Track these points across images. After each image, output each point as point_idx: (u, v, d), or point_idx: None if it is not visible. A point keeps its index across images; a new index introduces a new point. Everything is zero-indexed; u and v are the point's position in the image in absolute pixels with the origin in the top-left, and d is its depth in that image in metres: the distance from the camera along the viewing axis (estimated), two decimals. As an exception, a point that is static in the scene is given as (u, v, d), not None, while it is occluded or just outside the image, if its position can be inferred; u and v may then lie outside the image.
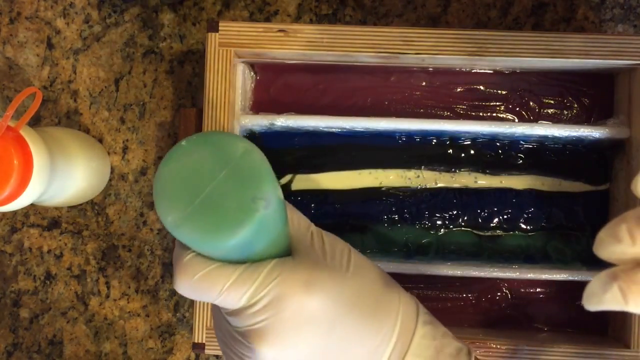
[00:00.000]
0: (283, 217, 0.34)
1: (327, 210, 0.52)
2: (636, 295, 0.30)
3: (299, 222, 0.37)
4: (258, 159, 0.33)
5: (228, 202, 0.31)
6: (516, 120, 0.51)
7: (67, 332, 0.56)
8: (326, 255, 0.35)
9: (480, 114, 0.51)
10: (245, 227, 0.31)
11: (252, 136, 0.52)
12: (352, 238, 0.52)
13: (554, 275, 0.48)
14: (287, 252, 0.35)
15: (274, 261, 0.34)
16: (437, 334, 0.37)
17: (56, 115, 0.55)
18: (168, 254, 0.55)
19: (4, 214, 0.56)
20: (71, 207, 0.55)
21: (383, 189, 0.51)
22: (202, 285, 0.33)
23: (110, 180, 0.55)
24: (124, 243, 0.55)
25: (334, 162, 0.52)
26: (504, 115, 0.51)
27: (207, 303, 0.48)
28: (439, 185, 0.51)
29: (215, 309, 0.38)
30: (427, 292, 0.52)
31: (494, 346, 0.46)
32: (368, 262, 0.37)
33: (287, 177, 0.52)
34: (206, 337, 0.48)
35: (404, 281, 0.51)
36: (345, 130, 0.50)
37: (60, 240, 0.56)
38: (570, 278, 0.48)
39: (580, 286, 0.51)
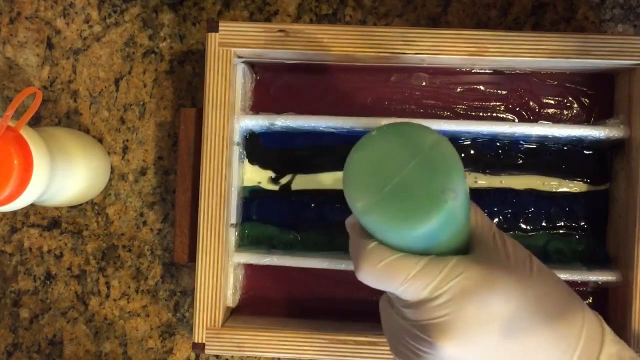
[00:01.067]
0: (467, 211, 0.35)
1: (327, 210, 0.52)
2: None
3: (482, 220, 0.36)
4: (448, 150, 0.33)
5: (417, 192, 0.32)
6: (516, 120, 0.51)
7: (67, 332, 0.56)
8: (509, 256, 0.35)
9: (480, 114, 0.51)
10: (434, 217, 0.31)
11: (252, 136, 0.52)
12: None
13: (554, 275, 0.48)
14: (466, 247, 0.36)
15: (457, 257, 0.34)
16: (625, 356, 0.34)
17: (56, 115, 0.55)
18: (168, 254, 0.55)
19: (4, 214, 0.56)
20: (71, 207, 0.55)
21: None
22: (386, 274, 0.34)
23: (110, 180, 0.55)
24: (124, 243, 0.55)
25: (334, 162, 0.52)
26: (504, 115, 0.51)
27: (207, 303, 0.48)
28: (439, 185, 0.51)
29: (385, 303, 0.38)
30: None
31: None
32: (550, 270, 0.36)
33: (287, 177, 0.52)
34: (206, 337, 0.48)
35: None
36: (345, 130, 0.50)
37: (60, 240, 0.56)
38: (570, 278, 0.48)
39: (580, 286, 0.51)
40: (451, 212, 0.32)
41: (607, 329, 0.35)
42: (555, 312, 0.34)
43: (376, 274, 0.34)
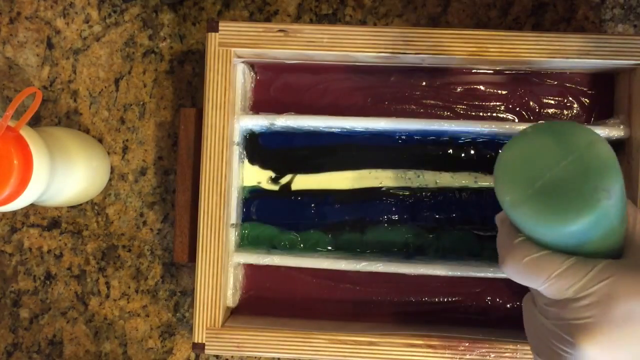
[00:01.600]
0: (622, 213, 0.34)
1: (327, 210, 0.52)
2: None
3: None
4: (604, 150, 0.33)
5: (569, 189, 0.32)
6: (516, 120, 0.51)
7: (67, 332, 0.56)
8: None
9: (480, 114, 0.51)
10: (584, 215, 0.32)
11: (252, 136, 0.52)
12: (352, 238, 0.52)
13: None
14: (618, 251, 0.35)
15: (607, 260, 0.33)
16: None
17: (56, 115, 0.55)
18: (168, 254, 0.55)
19: (4, 214, 0.56)
20: (71, 207, 0.55)
21: (383, 189, 0.51)
22: (531, 269, 0.34)
23: (110, 180, 0.55)
24: (124, 243, 0.55)
25: (334, 162, 0.52)
26: (504, 115, 0.51)
27: (207, 303, 0.48)
28: (439, 185, 0.51)
29: (529, 302, 0.38)
30: (427, 293, 0.51)
31: (495, 346, 0.46)
32: None
33: (287, 177, 0.52)
34: (206, 337, 0.48)
35: (405, 281, 0.51)
36: (345, 130, 0.50)
37: (60, 240, 0.56)
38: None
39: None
40: (604, 212, 0.32)
41: None
42: None
43: (520, 268, 0.34)
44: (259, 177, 0.52)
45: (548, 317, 0.35)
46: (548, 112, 0.51)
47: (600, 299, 0.33)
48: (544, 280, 0.34)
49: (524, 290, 0.39)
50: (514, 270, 0.35)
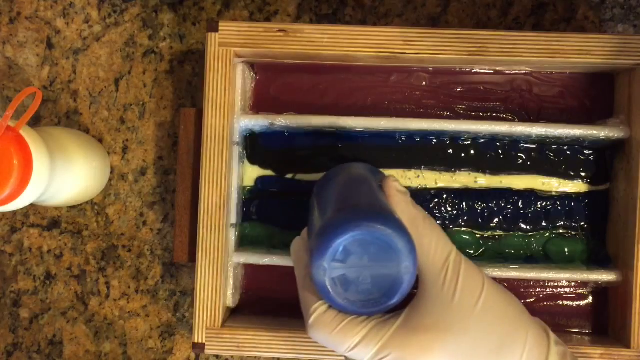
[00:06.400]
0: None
1: (327, 210, 0.52)
2: None
3: (436, 252, 0.37)
4: None
5: None
6: (516, 120, 0.51)
7: (67, 332, 0.56)
8: (455, 294, 0.35)
9: (480, 114, 0.51)
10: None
11: (252, 136, 0.52)
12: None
13: (554, 275, 0.48)
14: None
15: (401, 317, 0.36)
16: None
17: (56, 115, 0.55)
18: (168, 254, 0.55)
19: (4, 214, 0.56)
20: (71, 207, 0.55)
21: (383, 189, 0.51)
22: (335, 340, 0.36)
23: (110, 180, 0.55)
24: (124, 243, 0.55)
25: (333, 162, 0.52)
26: (504, 115, 0.51)
27: (207, 303, 0.48)
28: (439, 185, 0.51)
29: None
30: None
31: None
32: (501, 295, 0.37)
33: (287, 177, 0.52)
34: (206, 337, 0.48)
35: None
36: (345, 130, 0.50)
37: (60, 240, 0.56)
38: (571, 278, 0.48)
39: (580, 286, 0.51)
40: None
41: (553, 341, 0.36)
42: (493, 350, 0.35)
43: (328, 339, 0.36)
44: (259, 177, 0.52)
45: None
46: (548, 112, 0.51)
47: None
48: (346, 349, 0.35)
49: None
50: (322, 340, 0.36)
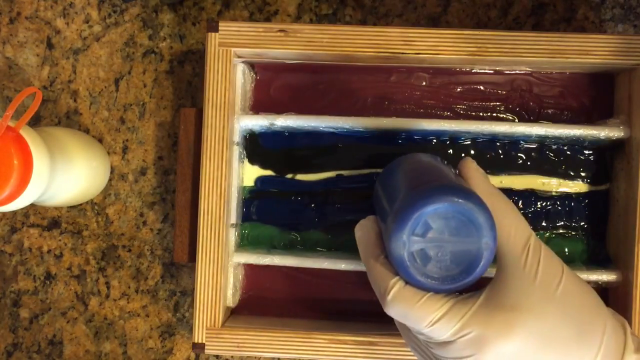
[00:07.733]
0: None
1: (327, 210, 0.52)
2: None
3: (516, 234, 0.36)
4: None
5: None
6: (516, 120, 0.51)
7: (67, 332, 0.56)
8: (537, 276, 0.35)
9: (480, 114, 0.51)
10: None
11: (252, 136, 0.52)
12: (352, 238, 0.52)
13: (554, 275, 0.48)
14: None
15: (482, 296, 0.35)
16: None
17: (56, 115, 0.55)
18: (168, 254, 0.55)
19: (4, 214, 0.56)
20: (71, 207, 0.55)
21: (383, 189, 0.51)
22: (416, 315, 0.35)
23: (110, 180, 0.55)
24: (123, 243, 0.55)
25: (334, 162, 0.52)
26: (504, 115, 0.51)
27: (207, 303, 0.48)
28: (439, 185, 0.51)
29: (403, 327, 0.39)
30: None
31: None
32: (579, 284, 0.36)
33: (287, 177, 0.52)
34: (206, 337, 0.48)
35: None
36: (345, 130, 0.50)
37: (60, 240, 0.56)
38: (570, 278, 0.48)
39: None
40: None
41: (630, 335, 0.36)
42: (572, 337, 0.34)
43: (408, 314, 0.35)
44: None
45: (435, 356, 0.36)
46: (548, 112, 0.51)
47: (474, 341, 0.34)
48: (425, 325, 0.35)
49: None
50: (400, 315, 0.36)
